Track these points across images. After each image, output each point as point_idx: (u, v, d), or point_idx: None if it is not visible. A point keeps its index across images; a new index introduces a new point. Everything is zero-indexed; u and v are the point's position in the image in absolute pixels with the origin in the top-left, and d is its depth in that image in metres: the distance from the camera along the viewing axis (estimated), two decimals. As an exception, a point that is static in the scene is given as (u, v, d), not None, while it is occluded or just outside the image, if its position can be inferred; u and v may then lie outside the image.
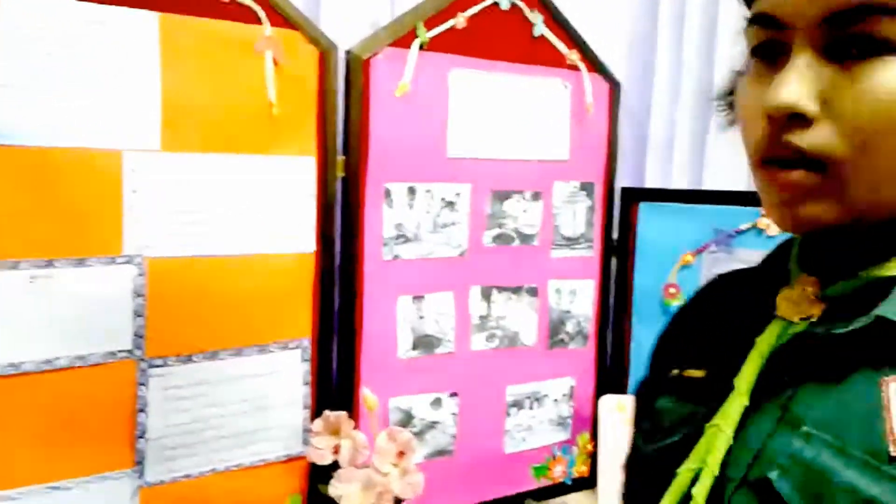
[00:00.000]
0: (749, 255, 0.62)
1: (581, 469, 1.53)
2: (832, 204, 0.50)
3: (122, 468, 1.06)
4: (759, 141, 0.51)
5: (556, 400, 1.49)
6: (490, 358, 1.39)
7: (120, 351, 1.04)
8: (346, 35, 1.23)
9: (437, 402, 1.33)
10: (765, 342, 0.54)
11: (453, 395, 1.35)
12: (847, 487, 0.46)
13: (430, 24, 1.25)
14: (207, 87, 1.07)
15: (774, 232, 1.38)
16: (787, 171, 0.50)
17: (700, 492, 0.52)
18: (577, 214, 1.47)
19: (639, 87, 1.61)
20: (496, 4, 1.31)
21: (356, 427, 1.17)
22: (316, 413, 1.19)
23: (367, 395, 1.17)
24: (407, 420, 1.30)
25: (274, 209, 1.15)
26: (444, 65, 1.27)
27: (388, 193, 1.24)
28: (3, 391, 0.97)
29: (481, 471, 1.40)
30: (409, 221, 1.27)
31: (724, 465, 0.52)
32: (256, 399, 1.15)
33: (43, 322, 0.98)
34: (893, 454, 0.46)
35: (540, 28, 1.37)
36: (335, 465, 1.14)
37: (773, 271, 0.61)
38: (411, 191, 1.27)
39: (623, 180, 1.59)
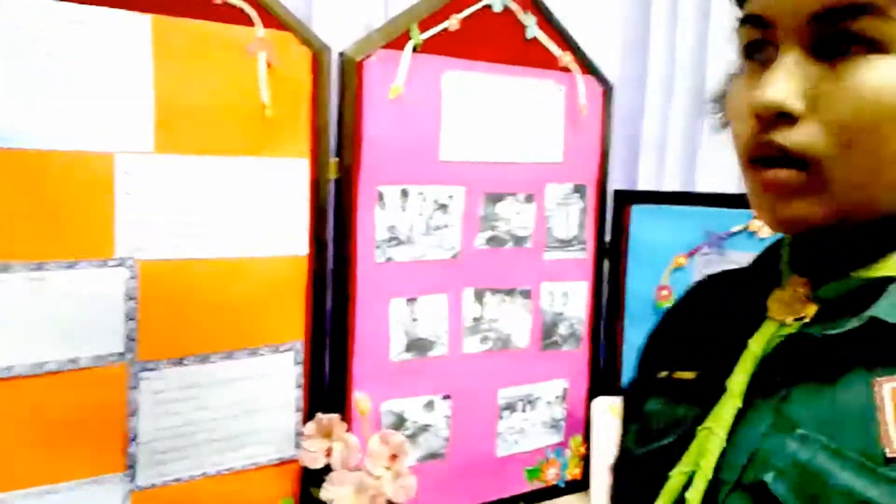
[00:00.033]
0: (741, 258, 0.62)
1: (574, 472, 1.53)
2: (817, 203, 0.50)
3: (114, 472, 1.05)
4: (748, 140, 0.52)
5: (549, 402, 1.49)
6: (483, 360, 1.39)
7: (111, 354, 1.03)
8: (339, 37, 1.23)
9: (429, 405, 1.33)
10: (757, 343, 0.54)
11: (446, 397, 1.35)
12: (843, 490, 0.46)
13: (423, 27, 1.25)
14: (200, 88, 1.07)
15: (766, 234, 1.38)
16: (773, 170, 0.50)
17: (694, 495, 0.52)
18: (569, 216, 1.48)
19: (631, 89, 1.61)
20: (489, 7, 1.31)
21: (349, 430, 1.16)
22: (308, 416, 1.19)
23: (359, 398, 1.17)
24: (399, 423, 1.30)
25: (266, 211, 1.14)
26: (437, 67, 1.27)
27: (380, 196, 1.24)
28: (-6, 394, 0.96)
29: (474, 473, 1.40)
30: (401, 224, 1.27)
31: (718, 467, 0.52)
32: (248, 402, 1.15)
33: (34, 325, 0.98)
34: (889, 456, 0.46)
35: (533, 30, 1.37)
36: (327, 469, 1.14)
37: (763, 272, 0.61)
38: (404, 193, 1.26)
39: (615, 182, 1.59)
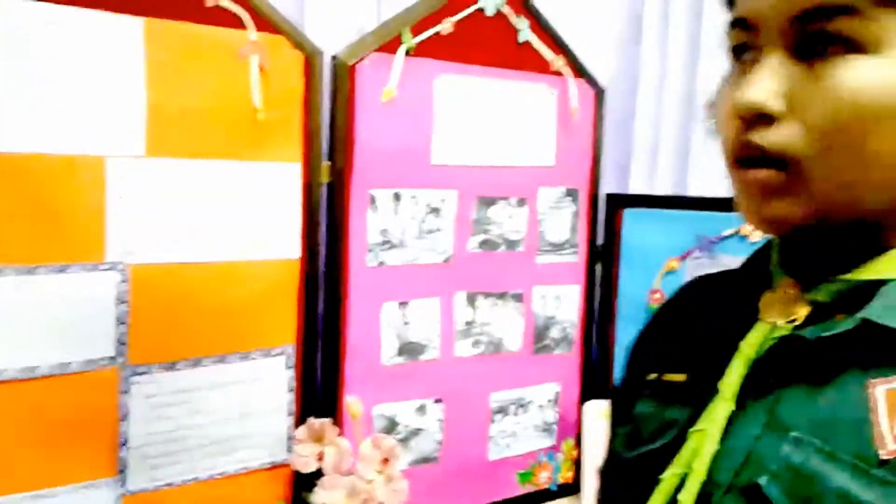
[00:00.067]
0: (731, 261, 0.62)
1: (566, 475, 1.53)
2: (797, 202, 0.50)
3: (105, 476, 1.05)
4: (732, 141, 0.52)
5: (541, 406, 1.49)
6: (475, 364, 1.39)
7: (102, 358, 1.03)
8: (331, 40, 1.23)
9: (421, 409, 1.33)
10: (749, 345, 0.54)
11: (438, 401, 1.35)
12: (838, 492, 0.46)
13: (415, 30, 1.25)
14: (192, 92, 1.07)
15: (757, 238, 1.39)
16: (754, 170, 0.51)
17: (686, 497, 0.52)
18: (562, 220, 1.48)
19: (623, 93, 1.62)
20: (481, 11, 1.31)
21: (341, 434, 1.16)
22: (300, 420, 1.18)
23: (351, 401, 1.17)
24: (391, 427, 1.30)
25: (259, 215, 1.14)
26: (429, 71, 1.27)
27: (373, 199, 1.24)
28: (-17, 399, 0.96)
29: (466, 477, 1.40)
30: (394, 227, 1.27)
31: (710, 469, 0.52)
32: (240, 406, 1.15)
33: (25, 329, 0.97)
34: (883, 458, 0.46)
35: (525, 34, 1.37)
36: (319, 473, 1.13)
37: (753, 274, 0.61)
38: (397, 197, 1.26)
39: (608, 186, 1.60)
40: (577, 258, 1.51)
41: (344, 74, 1.19)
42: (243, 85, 1.10)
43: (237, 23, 1.09)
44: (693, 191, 1.56)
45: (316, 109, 1.18)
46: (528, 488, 1.49)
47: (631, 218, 1.54)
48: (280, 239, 1.16)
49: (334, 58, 1.20)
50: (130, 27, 1.01)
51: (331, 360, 1.24)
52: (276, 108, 1.13)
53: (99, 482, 1.04)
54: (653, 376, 0.64)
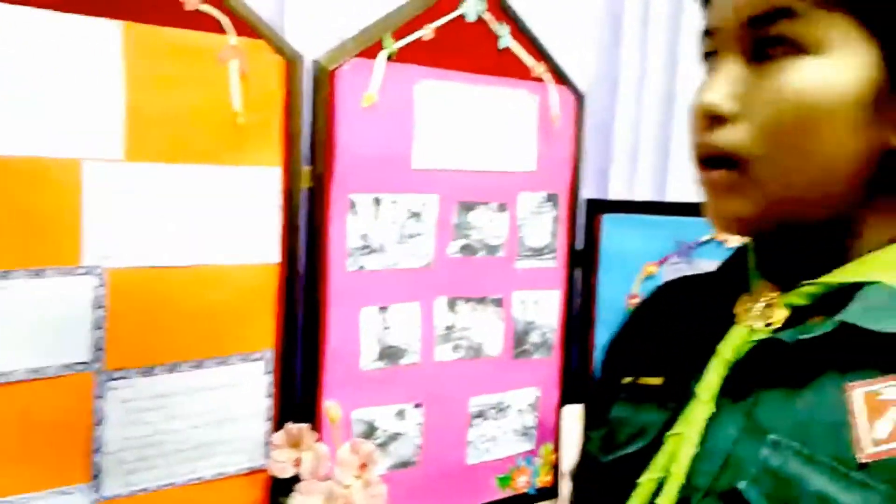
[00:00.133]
0: (709, 267, 0.63)
1: (545, 479, 1.54)
2: (748, 200, 0.52)
3: (79, 482, 1.04)
4: (695, 142, 0.54)
5: (520, 410, 1.49)
6: (455, 368, 1.39)
7: (77, 363, 1.02)
8: (311, 45, 1.23)
9: (401, 414, 1.33)
10: (727, 348, 0.55)
11: (418, 405, 1.35)
12: (817, 495, 0.47)
13: (397, 36, 1.25)
14: (171, 96, 1.06)
15: (734, 243, 1.40)
16: (710, 170, 0.53)
17: (665, 502, 0.53)
18: (542, 225, 1.48)
19: (602, 99, 1.63)
20: (462, 17, 1.31)
21: (319, 439, 1.16)
22: (279, 425, 1.18)
23: (329, 406, 1.16)
24: (370, 432, 1.30)
25: (238, 219, 1.14)
26: (410, 76, 1.27)
27: (353, 204, 1.24)
28: (-43, 404, 0.95)
29: (445, 482, 1.40)
30: (374, 232, 1.27)
31: (689, 473, 0.53)
32: (218, 411, 1.14)
33: (-1, 334, 0.97)
34: (862, 461, 0.46)
35: (506, 40, 1.37)
36: (298, 478, 1.13)
37: (729, 277, 0.62)
38: (377, 202, 1.26)
39: (587, 191, 1.60)
40: (556, 263, 1.52)
41: (324, 79, 1.19)
42: (223, 89, 1.10)
43: (217, 27, 1.09)
44: (672, 196, 1.57)
45: (296, 114, 1.18)
46: (506, 492, 1.49)
47: (610, 223, 1.55)
48: (259, 243, 1.16)
49: (315, 62, 1.20)
50: (109, 31, 1.00)
51: (310, 364, 1.24)
52: (255, 113, 1.13)
53: (72, 488, 1.03)
54: (628, 380, 0.64)
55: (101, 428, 1.05)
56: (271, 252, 1.17)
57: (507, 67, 1.39)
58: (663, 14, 1.56)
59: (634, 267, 1.53)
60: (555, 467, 1.54)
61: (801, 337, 0.51)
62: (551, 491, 1.54)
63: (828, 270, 0.53)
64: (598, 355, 1.56)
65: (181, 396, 1.11)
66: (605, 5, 1.62)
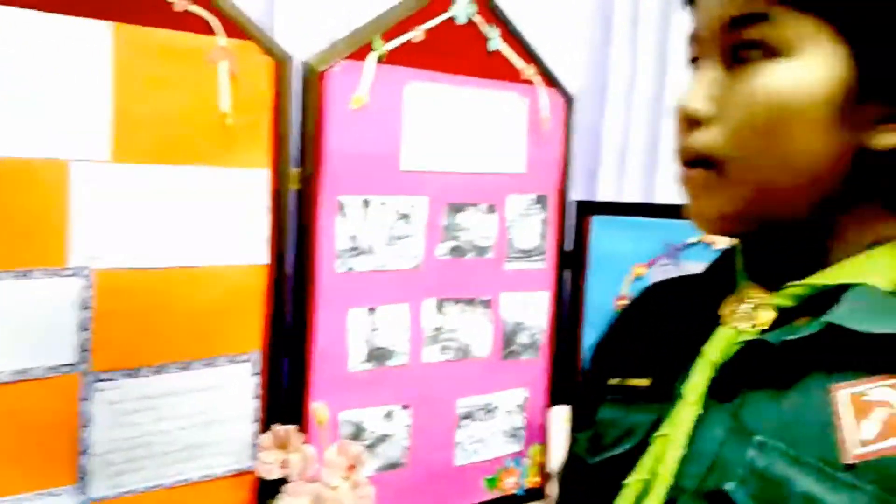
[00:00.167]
0: (697, 269, 0.64)
1: (533, 480, 1.54)
2: (723, 199, 0.53)
3: (65, 484, 1.03)
4: (678, 143, 0.56)
5: (508, 411, 1.49)
6: (443, 370, 1.39)
7: (64, 365, 1.02)
8: (301, 46, 1.22)
9: (389, 415, 1.33)
10: (714, 349, 0.55)
11: (406, 407, 1.35)
12: (804, 496, 0.47)
13: (386, 37, 1.25)
14: (160, 97, 1.06)
15: (721, 245, 1.40)
16: (689, 170, 0.54)
17: (652, 503, 0.53)
18: (531, 227, 1.49)
19: (592, 101, 1.63)
20: (453, 19, 1.32)
21: (307, 441, 1.16)
22: (266, 427, 1.18)
23: (317, 408, 1.16)
24: (358, 433, 1.29)
25: (226, 221, 1.13)
26: (400, 78, 1.27)
27: (342, 206, 1.24)
28: (-58, 406, 0.94)
29: (434, 483, 1.40)
30: (363, 234, 1.27)
31: (675, 475, 0.53)
32: (205, 413, 1.14)
33: (-16, 335, 0.96)
34: (848, 462, 0.47)
35: (496, 43, 1.38)
36: (285, 480, 1.13)
37: (716, 279, 0.62)
38: (366, 203, 1.26)
39: (576, 193, 1.61)
40: (545, 265, 1.52)
41: (314, 81, 1.19)
42: (212, 90, 1.09)
43: (206, 28, 1.08)
44: (662, 197, 1.58)
45: (285, 115, 1.18)
46: (494, 493, 1.50)
47: (599, 225, 1.56)
48: (247, 245, 1.16)
49: (305, 64, 1.20)
50: (98, 32, 1.00)
51: (297, 366, 1.23)
52: (244, 114, 1.13)
53: (59, 490, 1.03)
54: (615, 381, 0.64)
55: (88, 429, 1.04)
56: (259, 253, 1.17)
57: (497, 70, 1.39)
58: (653, 17, 1.57)
59: (623, 268, 1.53)
60: (543, 468, 1.55)
61: (788, 338, 0.51)
62: (539, 492, 1.55)
63: (811, 272, 0.54)
64: (586, 357, 1.57)
65: (168, 398, 1.10)
66: (594, 8, 1.63)
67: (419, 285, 1.34)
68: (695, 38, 0.56)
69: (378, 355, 1.31)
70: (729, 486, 0.50)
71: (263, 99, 1.15)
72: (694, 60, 0.56)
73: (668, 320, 0.64)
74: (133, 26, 1.02)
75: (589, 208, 1.57)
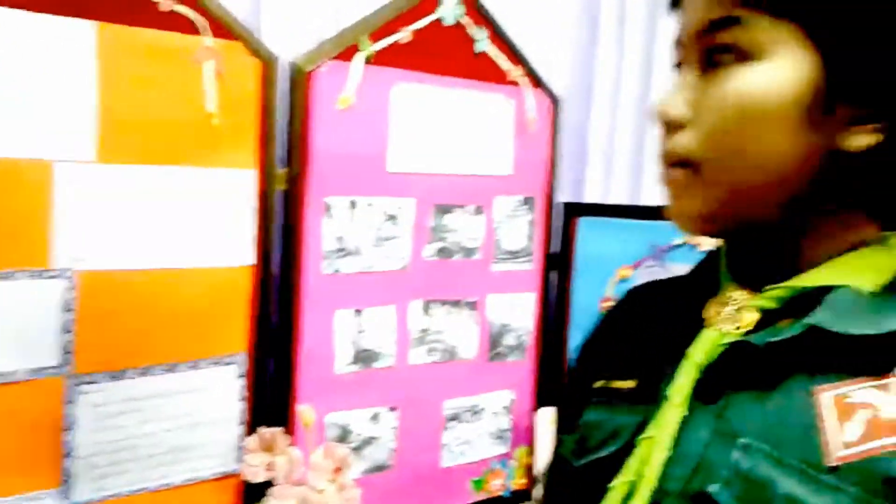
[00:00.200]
0: (682, 270, 0.64)
1: (519, 482, 1.54)
2: (700, 200, 0.54)
3: (48, 487, 1.02)
4: (659, 147, 0.57)
5: (495, 413, 1.49)
6: (429, 371, 1.39)
7: (47, 367, 1.01)
8: (288, 47, 1.22)
9: (375, 417, 1.33)
10: (698, 351, 0.55)
11: (392, 409, 1.35)
12: (787, 498, 0.47)
13: (374, 38, 1.24)
14: (146, 97, 1.05)
15: (706, 247, 1.41)
16: (670, 171, 0.55)
17: None
18: (518, 229, 1.49)
19: (578, 102, 1.64)
20: (440, 20, 1.31)
21: (293, 443, 1.15)
22: (252, 429, 1.17)
23: (303, 410, 1.16)
24: (344, 435, 1.29)
25: (212, 222, 1.13)
26: (387, 79, 1.27)
27: (328, 207, 1.24)
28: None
29: (420, 485, 1.40)
30: (350, 235, 1.26)
31: (660, 477, 0.53)
32: (190, 415, 1.13)
33: (-34, 337, 0.95)
34: (831, 464, 0.47)
35: (483, 45, 1.38)
36: (271, 483, 1.12)
37: (700, 281, 0.63)
38: (353, 204, 1.26)
39: (563, 194, 1.61)
40: (532, 266, 1.52)
41: (301, 81, 1.19)
42: (198, 90, 1.09)
43: (192, 28, 1.08)
44: (648, 199, 1.58)
45: (271, 116, 1.17)
46: (481, 495, 1.50)
47: (586, 226, 1.56)
48: (233, 245, 1.15)
49: (291, 64, 1.20)
50: (82, 32, 0.99)
51: (283, 368, 1.23)
52: (231, 114, 1.12)
53: (43, 493, 1.02)
54: (601, 383, 0.64)
55: (72, 432, 1.03)
56: (245, 254, 1.17)
57: (484, 71, 1.39)
58: (639, 18, 1.57)
59: (610, 270, 1.54)
60: (529, 470, 1.55)
61: (770, 340, 0.52)
62: (526, 494, 1.55)
63: (791, 274, 0.54)
64: (572, 358, 1.57)
65: (153, 400, 1.10)
66: (580, 9, 1.63)
67: (406, 287, 1.34)
68: (678, 43, 0.56)
69: (364, 357, 1.31)
70: (713, 487, 0.50)
71: (250, 99, 1.15)
72: (678, 65, 0.57)
73: (654, 322, 0.65)
74: (118, 26, 1.02)
75: (575, 210, 1.57)
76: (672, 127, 0.54)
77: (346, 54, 1.22)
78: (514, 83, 1.43)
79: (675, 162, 0.55)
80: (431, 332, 1.38)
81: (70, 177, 1.00)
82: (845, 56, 0.50)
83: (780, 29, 0.50)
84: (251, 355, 1.19)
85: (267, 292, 1.19)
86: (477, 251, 1.43)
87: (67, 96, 0.99)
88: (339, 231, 1.25)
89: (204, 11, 1.08)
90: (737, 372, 0.53)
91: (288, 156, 1.20)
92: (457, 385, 1.43)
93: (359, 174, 1.26)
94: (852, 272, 0.53)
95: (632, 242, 1.52)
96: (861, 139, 0.51)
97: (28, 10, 0.95)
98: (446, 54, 1.33)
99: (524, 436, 1.54)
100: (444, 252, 1.38)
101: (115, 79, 1.02)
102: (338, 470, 1.13)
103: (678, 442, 0.53)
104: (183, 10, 1.06)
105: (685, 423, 0.54)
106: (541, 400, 1.55)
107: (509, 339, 1.50)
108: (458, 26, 1.34)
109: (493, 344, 1.48)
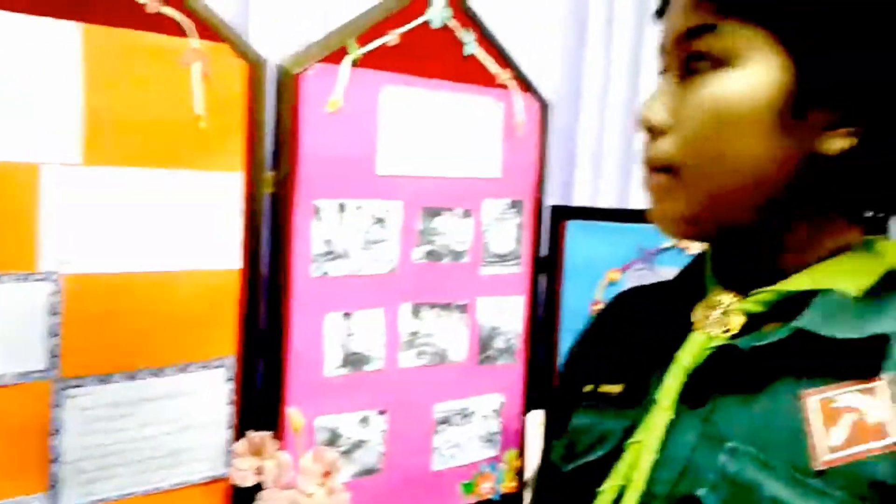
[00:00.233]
0: (670, 273, 0.65)
1: (509, 485, 1.54)
2: (681, 203, 0.55)
3: (36, 492, 1.02)
4: (643, 153, 0.57)
5: (484, 416, 1.49)
6: (419, 375, 1.39)
7: (33, 371, 1.00)
8: (275, 49, 1.22)
9: (364, 421, 1.33)
10: (686, 356, 0.56)
11: (382, 412, 1.34)
12: (773, 501, 0.47)
13: (362, 41, 1.24)
14: (132, 99, 1.04)
15: (694, 250, 1.42)
16: (652, 175, 0.56)
17: None
18: (507, 232, 1.49)
19: (567, 106, 1.64)
20: (428, 23, 1.32)
21: (282, 447, 1.15)
22: (240, 433, 1.17)
23: (292, 414, 1.16)
24: (334, 439, 1.29)
25: (200, 224, 1.12)
26: (375, 81, 1.27)
27: (317, 210, 1.23)
28: None
29: (410, 488, 1.40)
30: (338, 238, 1.26)
31: (648, 481, 0.53)
32: (178, 419, 1.12)
33: (-49, 341, 0.94)
34: (817, 468, 0.47)
35: (471, 47, 1.38)
36: (260, 487, 1.12)
37: (687, 285, 0.63)
38: (341, 207, 1.26)
39: (552, 198, 1.61)
40: (521, 269, 1.52)
41: (289, 83, 1.19)
42: (185, 93, 1.08)
43: (179, 30, 1.07)
44: (636, 202, 1.59)
45: (259, 118, 1.17)
46: (471, 498, 1.49)
47: (574, 230, 1.56)
48: (221, 249, 1.15)
49: (279, 67, 1.19)
50: (69, 33, 0.99)
51: (272, 371, 1.23)
52: (218, 117, 1.12)
53: (30, 498, 1.01)
54: (589, 387, 0.65)
55: (59, 436, 1.03)
56: (233, 257, 1.16)
57: (473, 74, 1.39)
58: (627, 21, 1.58)
59: (598, 273, 1.54)
60: (519, 473, 1.55)
61: (757, 343, 0.52)
62: (515, 497, 1.55)
63: (774, 277, 0.55)
64: (561, 361, 1.57)
65: (141, 404, 1.09)
66: (568, 12, 1.64)
67: (395, 290, 1.34)
68: (662, 50, 0.57)
69: (354, 360, 1.30)
70: (700, 491, 0.50)
71: (237, 102, 1.14)
72: (663, 72, 0.58)
73: (642, 326, 0.65)
74: (104, 27, 1.01)
75: (564, 213, 1.58)
76: (654, 133, 0.55)
77: (334, 57, 1.22)
78: (503, 86, 1.44)
79: (658, 167, 0.55)
80: (421, 335, 1.38)
81: (56, 179, 1.00)
82: (816, 61, 0.50)
83: (754, 36, 0.51)
84: (240, 359, 1.18)
85: (255, 295, 1.19)
86: (465, 254, 1.43)
87: (53, 98, 0.98)
88: (328, 234, 1.25)
89: (191, 13, 1.08)
90: (724, 375, 0.54)
91: (276, 159, 1.20)
92: (446, 388, 1.43)
93: (347, 177, 1.26)
94: (838, 276, 0.53)
95: (620, 245, 1.53)
96: (836, 143, 0.52)
97: (13, 11, 0.95)
98: (434, 57, 1.33)
99: (514, 439, 1.54)
100: (432, 255, 1.38)
101: (102, 81, 1.02)
102: (327, 474, 1.13)
103: (665, 446, 0.54)
104: (170, 11, 1.06)
105: (672, 427, 0.54)
106: (530, 403, 1.55)
107: (499, 343, 1.50)
108: (446, 29, 1.34)
109: (483, 347, 1.48)
